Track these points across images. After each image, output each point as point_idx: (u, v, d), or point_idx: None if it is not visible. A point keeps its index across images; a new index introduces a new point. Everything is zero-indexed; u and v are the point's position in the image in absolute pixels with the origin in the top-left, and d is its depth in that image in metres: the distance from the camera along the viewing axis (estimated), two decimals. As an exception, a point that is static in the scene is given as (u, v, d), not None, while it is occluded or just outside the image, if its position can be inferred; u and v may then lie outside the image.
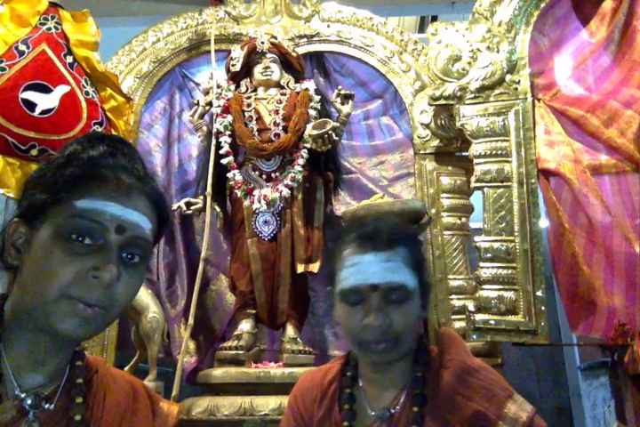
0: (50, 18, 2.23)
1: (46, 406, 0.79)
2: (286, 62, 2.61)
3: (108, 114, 2.30)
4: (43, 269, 0.74)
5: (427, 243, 2.39)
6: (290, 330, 2.34)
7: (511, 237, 2.13)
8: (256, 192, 2.39)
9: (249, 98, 2.53)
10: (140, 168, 0.83)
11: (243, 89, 2.59)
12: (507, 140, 2.21)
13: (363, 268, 1.02)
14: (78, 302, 0.74)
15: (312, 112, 2.48)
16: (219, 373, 2.19)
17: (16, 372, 0.78)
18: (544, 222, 2.26)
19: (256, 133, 2.44)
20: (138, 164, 0.84)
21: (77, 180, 0.77)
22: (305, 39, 2.75)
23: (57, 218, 0.76)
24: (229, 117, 2.48)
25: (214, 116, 2.53)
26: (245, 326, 2.34)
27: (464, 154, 2.42)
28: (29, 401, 0.77)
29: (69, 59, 2.20)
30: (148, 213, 0.81)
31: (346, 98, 2.51)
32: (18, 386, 0.78)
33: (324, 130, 2.36)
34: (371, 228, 1.07)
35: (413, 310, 1.04)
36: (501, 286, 2.08)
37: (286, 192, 2.37)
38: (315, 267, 2.38)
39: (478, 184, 2.20)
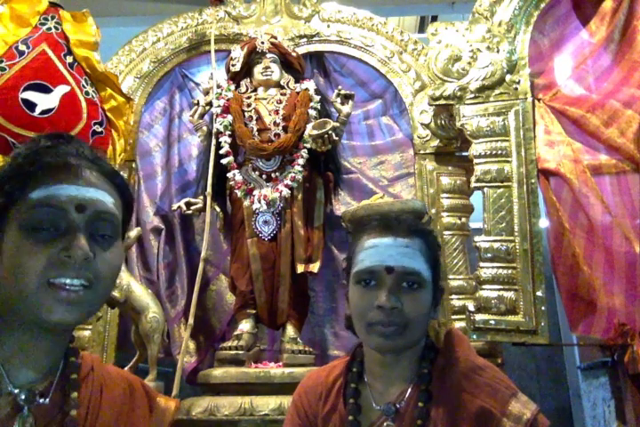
0: (50, 18, 2.22)
1: (41, 400, 0.78)
2: (286, 62, 2.60)
3: (108, 114, 2.30)
4: (17, 264, 0.75)
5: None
6: (290, 330, 2.35)
7: (511, 237, 2.12)
8: (256, 192, 2.39)
9: (249, 98, 2.53)
10: (89, 153, 0.84)
11: (243, 89, 2.58)
12: (507, 140, 2.21)
13: (380, 250, 1.05)
14: (60, 288, 0.74)
15: (312, 112, 2.48)
16: (219, 373, 2.19)
17: (8, 368, 0.78)
18: (544, 222, 2.26)
19: (256, 133, 2.44)
20: (86, 149, 0.84)
21: (26, 174, 0.78)
22: (305, 39, 2.75)
23: (19, 215, 0.77)
24: (229, 117, 2.48)
25: (214, 116, 2.52)
26: (245, 326, 2.34)
27: (464, 154, 2.42)
28: (23, 396, 0.77)
29: (69, 59, 2.20)
30: (106, 187, 0.82)
31: (346, 98, 2.51)
32: (10, 382, 0.78)
33: (324, 130, 2.36)
34: (393, 217, 1.11)
35: (425, 300, 1.06)
36: (501, 286, 2.08)
37: (286, 192, 2.37)
38: (315, 267, 2.38)
39: (478, 184, 2.20)
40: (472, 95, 2.28)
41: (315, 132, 2.37)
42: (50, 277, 0.74)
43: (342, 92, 2.51)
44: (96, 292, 0.78)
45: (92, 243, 0.77)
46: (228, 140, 2.47)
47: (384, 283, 1.03)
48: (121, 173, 0.89)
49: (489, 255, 2.12)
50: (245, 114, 2.48)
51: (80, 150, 0.83)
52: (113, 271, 0.81)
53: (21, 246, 0.75)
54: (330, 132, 2.37)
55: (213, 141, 2.46)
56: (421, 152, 2.54)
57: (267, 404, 2.03)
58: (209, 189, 2.37)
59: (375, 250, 1.06)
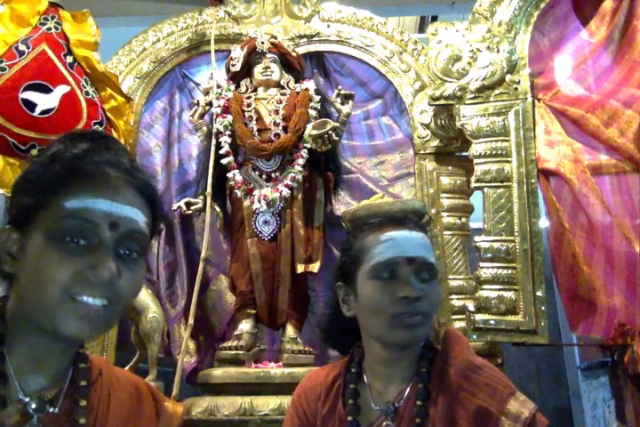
0: (50, 18, 2.22)
1: (50, 409, 0.78)
2: (286, 62, 2.60)
3: (108, 114, 2.30)
4: (40, 272, 0.73)
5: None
6: (290, 330, 2.35)
7: (511, 237, 2.12)
8: (256, 192, 2.39)
9: (249, 98, 2.53)
10: (127, 161, 0.82)
11: (243, 89, 2.58)
12: (507, 141, 2.21)
13: (399, 242, 1.07)
14: (81, 304, 0.73)
15: (312, 112, 2.48)
16: (219, 373, 2.19)
17: (19, 375, 0.77)
18: (544, 222, 2.26)
19: (256, 133, 2.44)
20: (124, 157, 0.82)
21: (62, 179, 0.76)
22: (305, 39, 2.75)
23: (48, 221, 0.75)
24: (229, 117, 2.48)
25: (214, 116, 2.53)
26: (245, 326, 2.34)
27: (464, 154, 2.42)
28: (33, 405, 0.76)
29: (69, 59, 2.20)
30: (140, 205, 0.80)
31: (346, 98, 2.51)
32: (21, 390, 0.77)
33: (324, 130, 2.35)
34: (400, 213, 1.16)
35: (439, 291, 1.10)
36: (501, 286, 2.08)
37: (286, 192, 2.37)
38: (315, 267, 2.38)
39: (478, 184, 2.20)
40: (472, 95, 2.27)
41: (315, 132, 2.37)
42: (73, 292, 0.73)
43: (342, 92, 2.51)
44: (115, 310, 0.77)
45: (118, 261, 0.76)
46: (228, 140, 2.47)
47: (404, 274, 1.04)
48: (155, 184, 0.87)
49: (489, 255, 2.12)
50: (245, 114, 2.48)
51: (120, 160, 0.81)
52: (134, 291, 0.81)
53: (47, 255, 0.73)
54: (330, 132, 2.37)
55: (213, 141, 2.46)
56: (421, 152, 2.54)
57: (267, 404, 2.03)
58: (209, 189, 2.37)
59: (393, 242, 1.06)
